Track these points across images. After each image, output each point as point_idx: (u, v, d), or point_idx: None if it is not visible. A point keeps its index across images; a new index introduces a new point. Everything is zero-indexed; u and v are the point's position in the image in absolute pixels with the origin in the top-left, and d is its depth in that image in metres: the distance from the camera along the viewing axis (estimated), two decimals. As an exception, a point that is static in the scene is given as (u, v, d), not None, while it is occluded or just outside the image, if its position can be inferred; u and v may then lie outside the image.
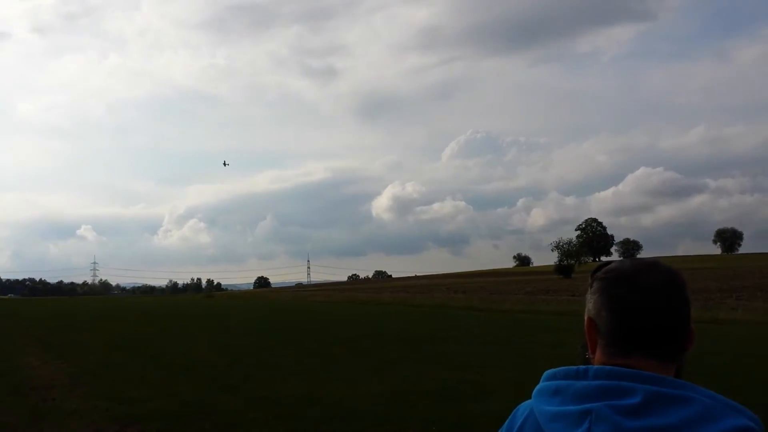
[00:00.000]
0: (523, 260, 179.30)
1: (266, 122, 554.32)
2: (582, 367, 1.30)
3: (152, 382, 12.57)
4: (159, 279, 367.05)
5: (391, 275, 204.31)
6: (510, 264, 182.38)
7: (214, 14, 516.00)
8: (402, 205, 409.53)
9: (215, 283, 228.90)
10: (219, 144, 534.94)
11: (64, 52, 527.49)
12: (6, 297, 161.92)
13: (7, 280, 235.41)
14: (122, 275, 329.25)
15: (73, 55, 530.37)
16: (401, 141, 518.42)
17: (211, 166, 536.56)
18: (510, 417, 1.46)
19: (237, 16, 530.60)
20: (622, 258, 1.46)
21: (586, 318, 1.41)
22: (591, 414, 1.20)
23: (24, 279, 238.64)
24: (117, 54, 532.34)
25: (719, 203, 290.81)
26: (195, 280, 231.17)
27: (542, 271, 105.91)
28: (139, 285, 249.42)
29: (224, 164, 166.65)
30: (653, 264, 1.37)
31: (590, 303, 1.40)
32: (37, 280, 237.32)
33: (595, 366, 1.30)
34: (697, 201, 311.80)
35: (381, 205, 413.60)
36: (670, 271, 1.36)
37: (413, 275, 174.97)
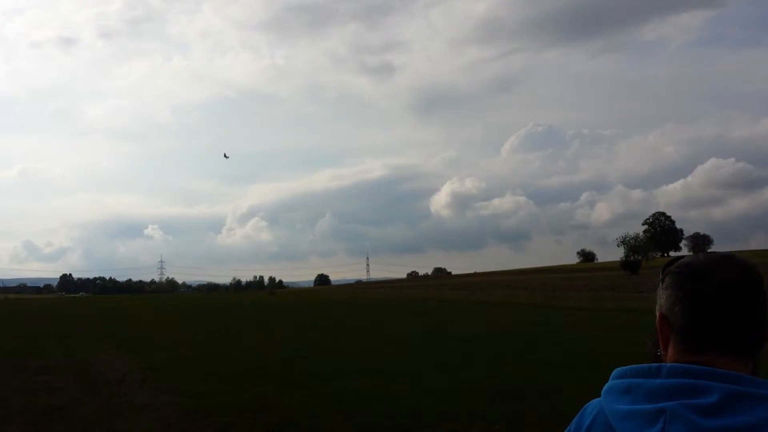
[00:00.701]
0: (587, 256, 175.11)
1: (325, 120, 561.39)
2: (655, 364, 1.25)
3: (219, 378, 12.86)
4: (223, 277, 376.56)
5: (450, 272, 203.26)
6: (573, 260, 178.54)
7: (274, 15, 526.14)
8: (461, 201, 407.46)
9: (277, 280, 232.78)
10: (279, 143, 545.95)
11: (129, 56, 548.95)
12: (77, 295, 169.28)
13: (79, 278, 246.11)
14: (188, 273, 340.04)
15: (138, 60, 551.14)
16: (459, 136, 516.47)
17: (271, 165, 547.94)
18: (578, 415, 1.42)
19: (295, 16, 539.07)
20: (693, 252, 1.37)
21: (657, 314, 1.36)
22: (665, 413, 1.16)
23: (95, 278, 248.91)
24: (180, 57, 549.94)
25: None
26: (257, 278, 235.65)
27: (607, 267, 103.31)
28: (204, 283, 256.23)
29: (225, 156, 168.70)
30: (728, 258, 1.31)
31: (662, 298, 1.35)
32: (107, 278, 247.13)
33: (669, 364, 1.25)
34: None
35: (440, 201, 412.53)
36: (747, 265, 1.30)
37: (473, 272, 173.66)
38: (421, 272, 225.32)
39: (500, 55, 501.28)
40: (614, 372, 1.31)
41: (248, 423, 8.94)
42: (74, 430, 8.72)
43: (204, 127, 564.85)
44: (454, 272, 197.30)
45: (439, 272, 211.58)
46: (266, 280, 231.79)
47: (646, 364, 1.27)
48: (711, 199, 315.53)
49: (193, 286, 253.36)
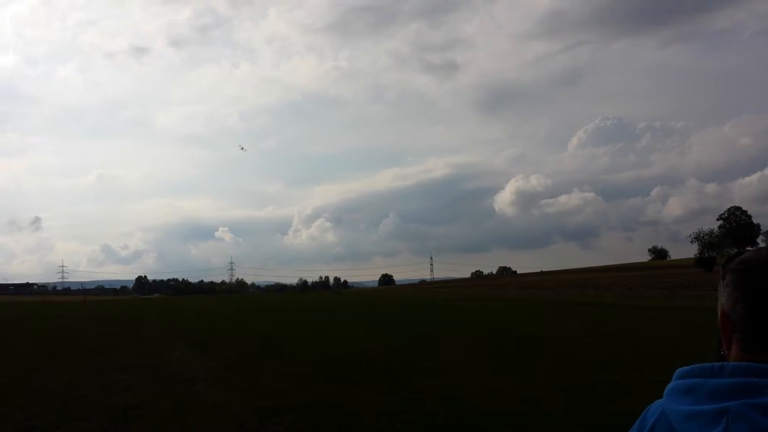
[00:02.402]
0: (659, 253, 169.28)
1: (388, 121, 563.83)
2: (717, 363, 1.21)
3: (287, 377, 13.10)
4: (290, 277, 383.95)
5: (516, 271, 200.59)
6: (645, 257, 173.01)
7: (338, 17, 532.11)
8: (526, 199, 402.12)
9: (342, 280, 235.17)
10: (343, 144, 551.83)
11: (199, 63, 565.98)
12: (152, 296, 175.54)
13: (153, 280, 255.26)
14: (256, 274, 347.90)
15: (207, 66, 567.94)
16: (524, 132, 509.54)
17: (336, 166, 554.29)
18: (641, 416, 1.39)
19: (359, 17, 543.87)
20: (757, 248, 1.32)
21: (719, 312, 1.32)
22: (728, 413, 1.12)
23: (168, 279, 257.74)
24: (247, 62, 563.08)
25: None
26: (323, 278, 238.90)
27: (681, 264, 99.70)
28: (272, 283, 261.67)
29: (241, 148, 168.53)
30: None
31: (723, 296, 1.31)
32: (180, 280, 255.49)
33: (732, 363, 1.21)
34: None
35: (504, 199, 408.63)
36: None
37: (539, 271, 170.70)
38: (486, 272, 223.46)
39: (566, 48, 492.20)
40: (677, 372, 1.28)
41: (315, 422, 9.07)
42: (149, 428, 9.04)
43: (270, 131, 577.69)
44: (519, 271, 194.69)
45: (504, 271, 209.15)
46: (331, 280, 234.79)
47: (708, 364, 1.23)
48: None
49: (261, 286, 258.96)
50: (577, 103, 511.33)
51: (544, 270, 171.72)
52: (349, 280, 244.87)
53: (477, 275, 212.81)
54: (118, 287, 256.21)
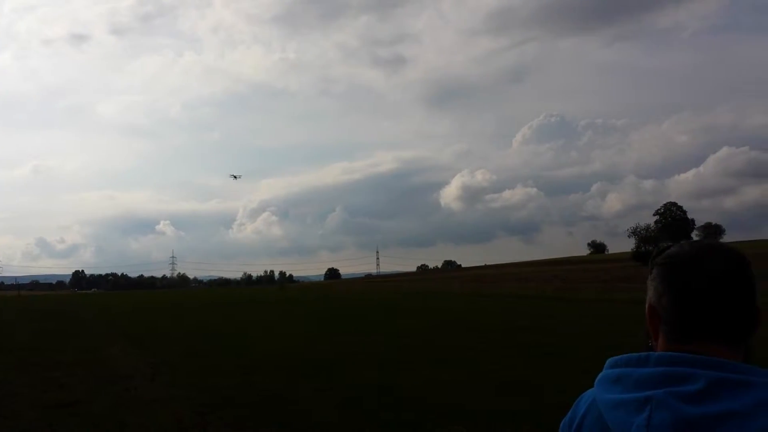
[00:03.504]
0: (598, 247, 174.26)
1: (336, 114, 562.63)
2: (644, 354, 1.27)
3: (230, 372, 12.93)
4: (233, 272, 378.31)
5: (460, 265, 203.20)
6: (584, 252, 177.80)
7: (285, 8, 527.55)
8: (471, 194, 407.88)
9: (287, 274, 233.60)
10: (290, 137, 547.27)
11: (141, 52, 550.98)
12: (90, 291, 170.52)
13: (91, 275, 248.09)
14: (199, 269, 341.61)
15: (149, 56, 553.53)
16: (471, 128, 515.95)
17: (282, 159, 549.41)
18: (574, 405, 1.43)
19: (307, 9, 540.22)
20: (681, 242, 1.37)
21: (647, 305, 1.37)
22: (652, 401, 1.17)
23: (107, 274, 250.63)
24: (192, 52, 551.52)
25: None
26: (268, 272, 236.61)
27: (618, 258, 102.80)
28: (215, 278, 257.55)
29: (233, 177, 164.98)
30: (714, 246, 1.32)
31: (651, 290, 1.36)
32: (119, 274, 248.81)
33: (657, 353, 1.26)
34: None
35: (450, 194, 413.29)
36: (733, 253, 1.30)
37: (483, 264, 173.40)
38: (431, 265, 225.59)
39: (513, 45, 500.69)
40: (607, 362, 1.32)
41: (258, 417, 8.97)
42: (85, 425, 8.77)
43: (215, 122, 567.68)
44: (464, 265, 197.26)
45: (449, 265, 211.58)
46: (276, 274, 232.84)
47: (635, 354, 1.28)
48: (723, 189, 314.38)
49: (204, 281, 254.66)
50: (522, 100, 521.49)
51: (488, 264, 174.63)
52: (295, 274, 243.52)
53: (422, 269, 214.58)
54: (54, 282, 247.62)
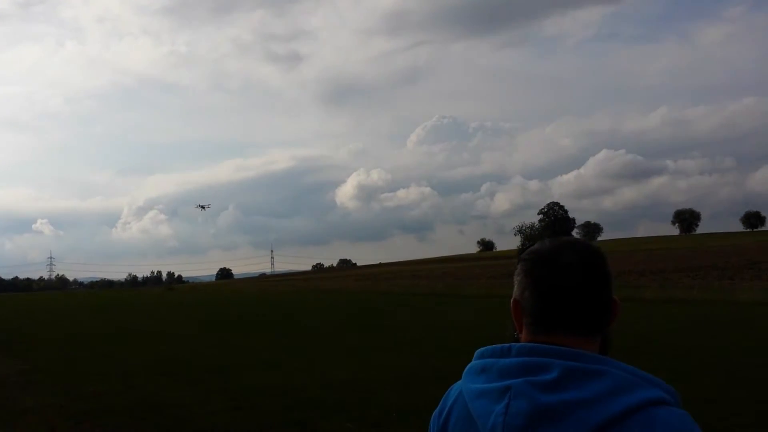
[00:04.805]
0: (486, 245, 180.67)
1: (229, 110, 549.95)
2: (506, 345, 1.32)
3: (110, 378, 12.32)
4: (118, 273, 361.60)
5: (355, 263, 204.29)
6: (474, 249, 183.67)
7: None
8: (367, 193, 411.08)
9: (176, 275, 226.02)
10: (180, 133, 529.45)
11: (19, 41, 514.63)
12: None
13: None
14: (80, 270, 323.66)
15: (29, 44, 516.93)
16: (367, 127, 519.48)
17: (172, 155, 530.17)
18: (444, 397, 1.48)
19: (199, 1, 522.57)
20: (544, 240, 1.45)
21: (512, 299, 1.42)
22: (510, 390, 1.23)
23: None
24: (75, 42, 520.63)
25: (678, 185, 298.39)
26: (155, 273, 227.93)
27: (505, 255, 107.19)
28: (98, 279, 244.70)
29: (201, 207, 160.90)
30: (571, 243, 1.39)
31: (516, 284, 1.42)
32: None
33: (518, 344, 1.32)
34: (657, 183, 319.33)
35: (346, 193, 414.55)
36: (589, 249, 1.37)
37: (378, 263, 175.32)
38: (327, 264, 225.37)
39: (408, 47, 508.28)
40: (475, 353, 1.37)
41: (140, 423, 8.61)
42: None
43: (99, 116, 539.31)
44: (359, 263, 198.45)
45: (345, 263, 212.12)
46: (164, 275, 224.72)
47: (499, 345, 1.33)
48: (602, 189, 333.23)
49: (86, 283, 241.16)
50: (417, 101, 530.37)
51: (382, 262, 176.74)
52: (185, 274, 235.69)
53: (318, 268, 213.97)
54: None
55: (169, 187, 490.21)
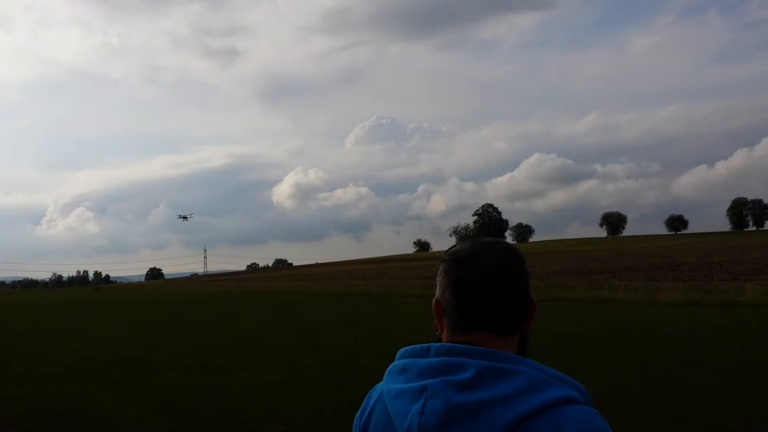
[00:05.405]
0: (422, 246, 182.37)
1: (163, 104, 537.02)
2: (426, 345, 1.33)
3: (35, 380, 11.88)
4: (42, 272, 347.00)
5: (291, 263, 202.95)
6: (411, 250, 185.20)
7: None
8: (304, 192, 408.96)
9: (103, 275, 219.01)
10: (110, 127, 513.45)
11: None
12: None
13: None
14: (1, 269, 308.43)
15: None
16: (305, 126, 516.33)
17: (101, 150, 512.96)
18: (366, 397, 1.49)
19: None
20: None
21: (434, 300, 1.44)
22: (427, 390, 1.24)
23: None
24: (1, 32, 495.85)
25: (607, 188, 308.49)
26: (82, 273, 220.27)
27: (440, 256, 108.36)
28: (20, 279, 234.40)
29: (182, 218, 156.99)
30: (491, 244, 1.40)
31: (437, 285, 1.43)
32: None
33: (437, 344, 1.32)
34: (586, 186, 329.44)
35: (282, 192, 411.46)
36: (507, 250, 1.39)
37: (314, 263, 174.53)
38: (262, 264, 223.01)
39: (347, 46, 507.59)
40: (398, 353, 1.38)
41: (64, 428, 8.30)
42: None
43: (25, 109, 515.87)
44: (295, 263, 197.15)
45: (280, 263, 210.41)
46: (91, 275, 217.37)
47: (419, 345, 1.34)
48: (534, 192, 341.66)
49: (7, 282, 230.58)
50: (355, 101, 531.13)
51: (319, 262, 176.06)
52: (113, 274, 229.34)
53: (253, 268, 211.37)
54: None
55: (97, 183, 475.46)
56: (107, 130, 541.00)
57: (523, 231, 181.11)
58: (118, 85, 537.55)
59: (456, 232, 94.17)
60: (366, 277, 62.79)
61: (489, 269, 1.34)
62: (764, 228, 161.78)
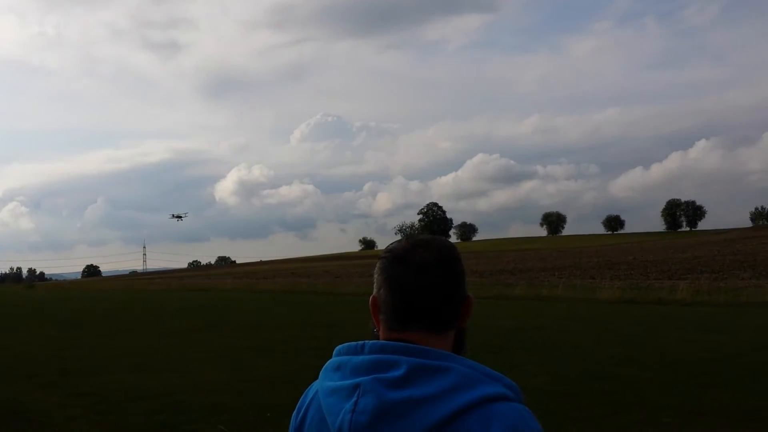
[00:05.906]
0: (368, 244, 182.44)
1: (101, 97, 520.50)
2: (360, 342, 1.33)
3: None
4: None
5: (235, 261, 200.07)
6: (356, 248, 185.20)
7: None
8: (248, 189, 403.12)
9: (38, 272, 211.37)
10: (45, 120, 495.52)
11: None
12: None
13: None
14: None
15: None
16: (249, 122, 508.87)
17: (35, 144, 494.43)
18: (302, 396, 1.49)
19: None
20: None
21: (371, 297, 1.44)
22: (359, 387, 1.24)
23: None
24: None
25: (547, 189, 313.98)
26: (15, 270, 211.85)
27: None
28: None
29: (177, 217, 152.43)
30: (426, 242, 1.41)
31: (374, 282, 1.44)
32: None
33: (371, 341, 1.33)
34: (528, 186, 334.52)
35: (226, 188, 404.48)
36: (441, 248, 1.40)
37: (258, 260, 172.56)
38: (204, 261, 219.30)
39: (292, 42, 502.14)
40: (334, 350, 1.38)
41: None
42: None
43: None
44: (238, 261, 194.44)
45: (223, 261, 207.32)
46: (25, 272, 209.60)
47: (354, 342, 1.34)
48: (477, 191, 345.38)
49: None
50: (301, 97, 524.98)
51: (263, 260, 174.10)
52: (47, 271, 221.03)
53: (194, 265, 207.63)
54: None
55: (31, 177, 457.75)
56: (42, 122, 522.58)
57: (467, 230, 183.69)
58: (54, 77, 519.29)
59: (401, 230, 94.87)
60: (311, 275, 62.51)
61: (423, 266, 1.35)
62: (697, 228, 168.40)
